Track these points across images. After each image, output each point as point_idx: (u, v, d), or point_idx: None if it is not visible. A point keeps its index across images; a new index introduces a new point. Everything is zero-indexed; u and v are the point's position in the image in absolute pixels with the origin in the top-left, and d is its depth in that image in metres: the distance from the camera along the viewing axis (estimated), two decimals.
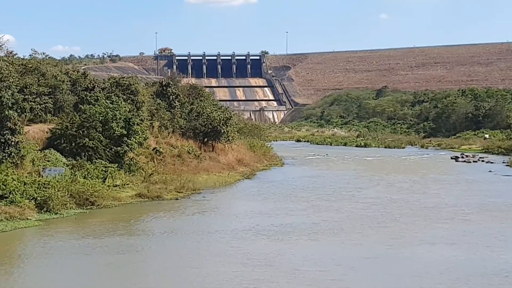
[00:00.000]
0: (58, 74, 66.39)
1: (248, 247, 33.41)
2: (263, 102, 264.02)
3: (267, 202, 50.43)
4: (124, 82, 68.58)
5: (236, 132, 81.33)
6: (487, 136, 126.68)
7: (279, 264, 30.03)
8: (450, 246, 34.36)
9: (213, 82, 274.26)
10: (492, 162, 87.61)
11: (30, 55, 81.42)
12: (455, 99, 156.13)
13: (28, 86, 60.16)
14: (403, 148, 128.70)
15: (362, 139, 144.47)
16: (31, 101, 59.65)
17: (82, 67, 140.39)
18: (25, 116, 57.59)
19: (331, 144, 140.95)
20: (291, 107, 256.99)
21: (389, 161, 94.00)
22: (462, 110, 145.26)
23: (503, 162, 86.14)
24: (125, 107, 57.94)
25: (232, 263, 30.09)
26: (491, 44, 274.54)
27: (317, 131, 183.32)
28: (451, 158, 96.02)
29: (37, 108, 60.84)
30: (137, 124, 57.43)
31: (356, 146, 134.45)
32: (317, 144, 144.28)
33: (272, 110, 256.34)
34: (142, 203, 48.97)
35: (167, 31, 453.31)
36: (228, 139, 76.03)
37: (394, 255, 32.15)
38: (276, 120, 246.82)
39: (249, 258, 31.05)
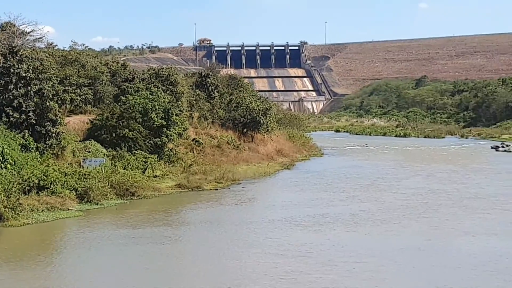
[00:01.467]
0: (98, 65, 67.04)
1: (285, 238, 33.39)
2: (302, 93, 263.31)
3: (306, 192, 50.42)
4: (163, 73, 68.95)
5: (275, 123, 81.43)
6: None
7: (316, 255, 29.95)
8: (491, 237, 33.99)
9: (252, 72, 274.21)
10: None
11: (70, 46, 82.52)
12: (495, 88, 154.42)
13: (68, 78, 60.79)
14: (443, 138, 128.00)
15: (401, 129, 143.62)
16: (71, 92, 60.22)
17: (122, 58, 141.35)
18: (66, 107, 58.25)
19: (370, 134, 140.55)
20: (330, 97, 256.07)
21: (429, 151, 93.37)
22: (503, 99, 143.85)
23: None
24: (165, 98, 58.24)
25: (269, 254, 30.09)
26: None
27: (356, 121, 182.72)
28: (491, 147, 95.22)
29: (77, 99, 61.45)
30: (176, 115, 57.72)
31: (396, 136, 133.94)
32: (356, 134, 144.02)
33: (311, 101, 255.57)
34: (182, 193, 49.24)
35: (206, 22, 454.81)
36: (268, 130, 76.09)
37: (433, 247, 31.90)
38: (315, 110, 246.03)
39: (286, 249, 31.02)
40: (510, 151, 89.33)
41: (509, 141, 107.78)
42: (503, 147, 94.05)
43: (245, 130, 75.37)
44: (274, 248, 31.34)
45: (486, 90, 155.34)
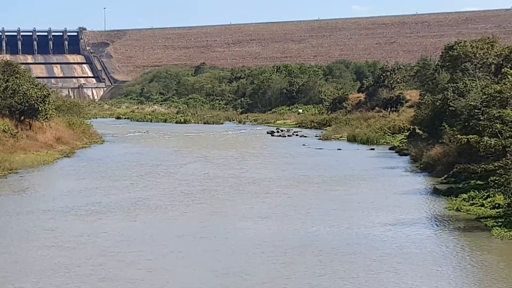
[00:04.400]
0: None
1: (60, 229, 32.96)
2: (82, 79, 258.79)
3: (85, 180, 50.15)
4: None
5: (54, 110, 79.97)
6: (300, 111, 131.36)
7: (92, 245, 29.83)
8: (265, 220, 35.32)
9: (29, 58, 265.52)
10: (305, 136, 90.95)
11: None
12: (271, 75, 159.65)
13: None
14: (222, 124, 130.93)
15: (181, 116, 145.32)
16: None
17: None
18: None
19: (151, 121, 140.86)
20: (110, 84, 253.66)
21: (208, 137, 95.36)
22: (277, 85, 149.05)
23: (316, 136, 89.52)
24: None
25: (43, 246, 29.65)
26: (303, 22, 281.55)
27: (137, 108, 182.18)
28: (267, 133, 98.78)
29: None
30: None
31: (176, 122, 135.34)
32: (137, 121, 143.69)
33: (91, 87, 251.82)
34: None
35: None
36: (46, 117, 74.65)
37: (211, 232, 32.71)
38: (96, 97, 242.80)
39: (60, 240, 30.64)
40: (285, 136, 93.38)
41: (283, 126, 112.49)
42: (278, 132, 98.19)
43: (22, 117, 73.47)
44: (47, 239, 30.91)
45: (262, 77, 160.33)
